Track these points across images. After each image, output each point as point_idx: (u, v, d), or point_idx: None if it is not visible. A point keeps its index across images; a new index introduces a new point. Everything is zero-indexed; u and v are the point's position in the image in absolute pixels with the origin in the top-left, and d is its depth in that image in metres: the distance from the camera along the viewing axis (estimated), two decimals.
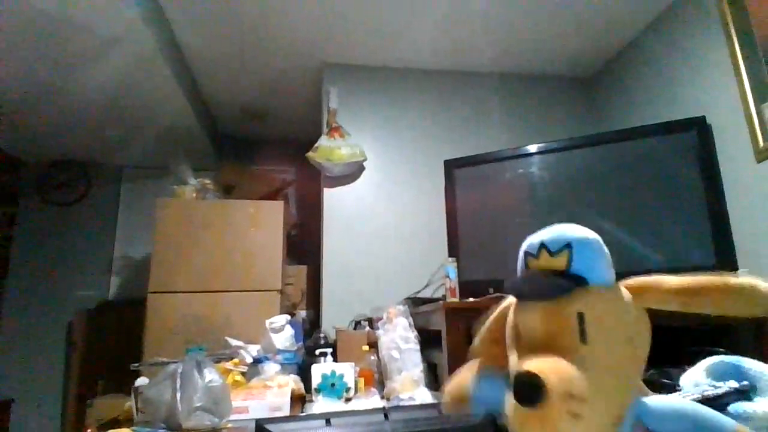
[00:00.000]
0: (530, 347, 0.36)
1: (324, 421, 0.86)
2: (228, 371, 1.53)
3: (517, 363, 0.36)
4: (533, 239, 0.41)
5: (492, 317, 0.49)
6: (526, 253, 0.42)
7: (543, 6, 2.13)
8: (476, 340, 0.49)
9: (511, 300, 0.45)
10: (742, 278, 0.34)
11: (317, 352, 1.76)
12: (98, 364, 2.68)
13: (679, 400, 0.37)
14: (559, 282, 0.37)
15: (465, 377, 0.44)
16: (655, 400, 0.37)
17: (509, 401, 0.34)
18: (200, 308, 1.94)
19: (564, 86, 2.73)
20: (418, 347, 1.70)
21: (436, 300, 1.90)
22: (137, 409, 1.21)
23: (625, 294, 0.38)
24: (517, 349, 0.39)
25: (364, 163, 2.42)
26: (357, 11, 2.14)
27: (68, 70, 2.19)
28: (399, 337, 1.69)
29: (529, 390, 0.32)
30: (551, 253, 0.39)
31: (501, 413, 0.39)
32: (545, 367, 0.33)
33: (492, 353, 0.48)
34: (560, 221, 0.45)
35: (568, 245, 0.38)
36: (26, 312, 2.98)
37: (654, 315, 0.41)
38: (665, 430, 0.35)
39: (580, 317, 0.35)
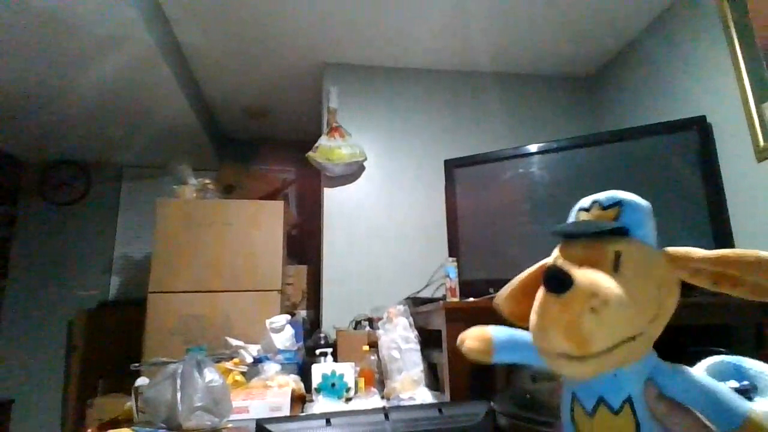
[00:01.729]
0: None
1: (324, 421, 0.86)
2: (228, 371, 1.53)
3: None
4: (587, 198, 0.44)
5: (528, 270, 0.50)
6: (579, 209, 0.43)
7: (543, 6, 2.13)
8: (504, 291, 0.49)
9: (546, 260, 0.46)
10: None
11: (317, 352, 1.76)
12: (98, 364, 2.69)
13: (697, 371, 0.37)
14: (605, 224, 0.39)
15: (486, 328, 0.44)
16: (674, 365, 0.38)
17: (539, 292, 0.36)
18: (200, 308, 1.94)
19: (564, 86, 2.73)
20: (418, 347, 1.70)
21: (437, 300, 1.90)
22: (137, 409, 1.21)
23: (664, 257, 0.39)
24: None
25: (365, 163, 2.42)
26: (357, 11, 2.14)
27: (68, 70, 2.19)
28: (399, 337, 1.69)
29: (559, 279, 0.34)
30: (603, 207, 0.41)
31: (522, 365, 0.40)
32: (577, 270, 0.36)
33: (518, 306, 0.48)
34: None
35: (619, 202, 0.40)
36: (26, 312, 2.99)
37: None
38: (676, 395, 0.36)
39: (617, 254, 0.37)
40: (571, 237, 0.41)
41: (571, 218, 0.45)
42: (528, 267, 0.48)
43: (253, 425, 0.85)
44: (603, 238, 0.38)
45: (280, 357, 1.72)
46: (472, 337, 0.44)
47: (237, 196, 2.52)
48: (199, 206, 2.13)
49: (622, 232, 0.38)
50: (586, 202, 0.43)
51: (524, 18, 2.21)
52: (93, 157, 3.23)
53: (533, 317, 0.37)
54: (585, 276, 0.35)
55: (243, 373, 1.57)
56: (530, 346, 0.39)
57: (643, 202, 0.41)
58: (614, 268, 0.37)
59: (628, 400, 0.36)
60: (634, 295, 0.35)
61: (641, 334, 0.35)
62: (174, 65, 2.29)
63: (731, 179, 1.76)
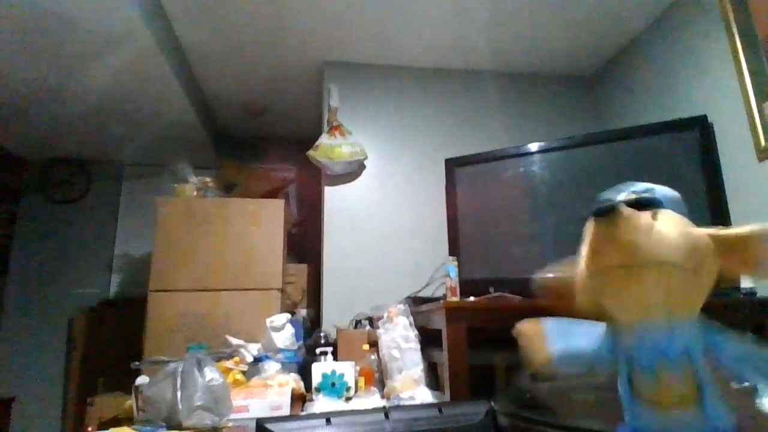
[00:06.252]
0: None
1: (324, 420, 0.86)
2: (228, 370, 1.53)
3: None
4: (623, 191, 0.54)
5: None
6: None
7: (544, 4, 2.12)
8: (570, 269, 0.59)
9: None
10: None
11: (317, 351, 1.76)
12: (99, 362, 2.69)
13: (745, 343, 0.44)
14: (647, 196, 0.50)
15: (539, 321, 0.57)
16: (729, 340, 0.45)
17: (590, 228, 0.48)
18: (201, 307, 1.94)
19: (565, 85, 2.73)
20: (418, 346, 1.70)
21: (437, 299, 1.89)
22: (138, 407, 1.22)
23: (699, 230, 0.49)
24: None
25: (365, 162, 2.42)
26: (358, 10, 2.14)
27: (69, 68, 2.18)
28: (399, 337, 1.69)
29: (605, 207, 0.44)
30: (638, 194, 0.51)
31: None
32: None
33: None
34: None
35: (651, 189, 0.51)
36: (27, 310, 2.99)
37: None
38: (730, 365, 0.43)
39: (654, 213, 0.47)
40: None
41: None
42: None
43: (253, 424, 0.86)
44: (642, 210, 0.48)
45: (280, 356, 1.72)
46: (527, 328, 0.57)
47: (237, 195, 2.51)
48: (199, 204, 2.13)
49: (657, 204, 0.48)
50: (622, 194, 0.53)
51: (525, 16, 2.21)
52: (93, 155, 3.23)
53: (589, 248, 0.47)
54: (627, 209, 0.44)
55: (243, 372, 1.57)
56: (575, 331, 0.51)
57: (674, 192, 0.52)
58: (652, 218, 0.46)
59: (686, 351, 0.43)
60: (667, 229, 0.43)
61: (682, 270, 0.42)
62: (174, 63, 2.28)
63: (732, 179, 1.75)
